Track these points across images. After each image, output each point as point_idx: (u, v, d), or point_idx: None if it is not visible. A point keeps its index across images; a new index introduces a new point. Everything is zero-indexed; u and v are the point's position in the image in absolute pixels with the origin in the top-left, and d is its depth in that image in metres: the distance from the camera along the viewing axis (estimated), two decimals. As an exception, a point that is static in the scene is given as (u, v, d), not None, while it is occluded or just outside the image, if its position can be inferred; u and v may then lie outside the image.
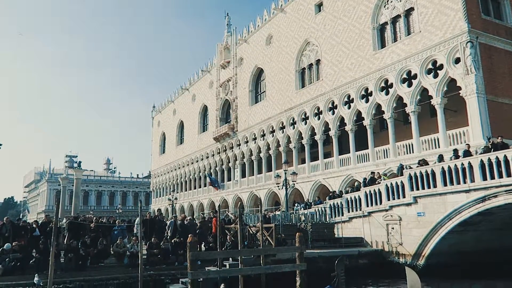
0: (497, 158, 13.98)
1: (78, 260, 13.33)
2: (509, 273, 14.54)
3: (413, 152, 21.69)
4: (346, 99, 26.53)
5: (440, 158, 16.79)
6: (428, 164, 17.20)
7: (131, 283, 12.37)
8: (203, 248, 15.83)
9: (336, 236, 19.35)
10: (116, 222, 17.12)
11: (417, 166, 17.50)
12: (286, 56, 32.96)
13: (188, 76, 72.26)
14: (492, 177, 14.05)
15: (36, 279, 11.23)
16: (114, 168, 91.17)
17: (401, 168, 19.13)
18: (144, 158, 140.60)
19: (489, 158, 14.23)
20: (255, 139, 36.55)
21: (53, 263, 9.32)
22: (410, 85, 22.12)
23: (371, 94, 24.48)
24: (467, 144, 17.03)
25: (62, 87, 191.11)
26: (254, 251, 13.74)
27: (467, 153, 15.84)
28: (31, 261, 13.24)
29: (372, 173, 21.12)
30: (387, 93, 23.44)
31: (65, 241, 14.83)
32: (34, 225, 15.20)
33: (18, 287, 11.06)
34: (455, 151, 16.74)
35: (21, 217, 30.83)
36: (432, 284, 14.50)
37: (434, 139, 20.92)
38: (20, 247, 13.25)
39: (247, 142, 37.85)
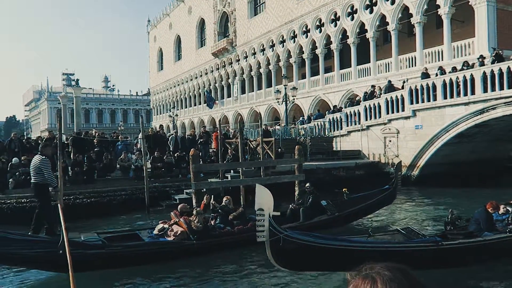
0: (500, 69, 13.78)
1: (84, 174, 13.85)
2: (498, 182, 15.21)
3: (415, 66, 21.30)
4: (349, 10, 25.33)
5: (425, 75, 16.69)
6: (430, 77, 16.98)
7: (138, 194, 13.02)
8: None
9: (334, 149, 19.87)
10: (119, 137, 17.42)
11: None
12: (287, -37, 30.72)
13: (183, -13, 67.93)
14: (493, 90, 13.99)
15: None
16: (113, 86, 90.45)
17: (389, 86, 19.05)
18: (142, 75, 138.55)
19: (491, 70, 14.02)
20: (254, 54, 35.63)
21: (62, 176, 9.68)
22: (417, -7, 20.94)
23: (375, 4, 23.29)
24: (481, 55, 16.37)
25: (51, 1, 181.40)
26: (254, 163, 14.21)
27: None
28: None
29: (373, 86, 20.97)
30: (392, 3, 22.29)
31: (71, 156, 15.26)
32: (39, 141, 15.51)
33: (30, 198, 11.64)
34: (466, 62, 16.33)
35: (24, 135, 31.34)
36: (425, 191, 15.22)
37: (438, 52, 20.42)
38: (29, 161, 13.64)
39: (246, 57, 36.96)
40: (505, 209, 7.45)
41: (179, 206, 8.75)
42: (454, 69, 16.36)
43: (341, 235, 7.14)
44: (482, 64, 15.19)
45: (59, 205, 6.86)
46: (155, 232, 7.76)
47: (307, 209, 9.20)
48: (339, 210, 9.40)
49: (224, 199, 8.95)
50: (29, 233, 8.11)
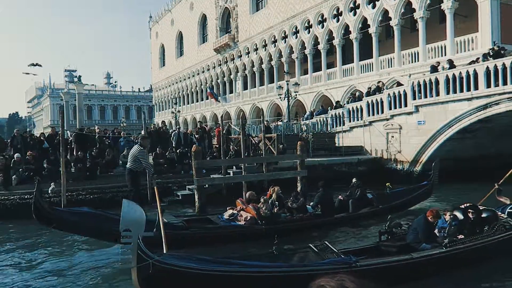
0: (503, 64, 13.70)
1: (87, 170, 13.88)
2: (501, 175, 15.13)
3: (418, 61, 21.21)
4: (352, 5, 25.21)
5: (434, 69, 16.55)
6: (438, 71, 16.85)
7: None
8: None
9: (336, 145, 19.83)
10: (121, 134, 17.44)
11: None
12: (289, -42, 30.55)
13: (185, -17, 67.69)
14: (496, 85, 13.92)
15: (51, 187, 11.86)
16: (115, 82, 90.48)
17: (375, 89, 19.22)
18: (145, 72, 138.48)
19: (495, 65, 13.95)
20: (256, 49, 35.54)
21: (65, 172, 9.72)
22: (420, -12, 20.82)
23: (378, -2, 23.19)
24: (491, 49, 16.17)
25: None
26: (256, 159, 14.19)
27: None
28: (43, 172, 13.80)
29: (379, 82, 20.87)
30: (395, -3, 22.19)
31: (73, 152, 15.30)
32: (42, 138, 15.55)
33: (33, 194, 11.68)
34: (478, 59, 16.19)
35: (27, 131, 31.41)
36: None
37: (441, 47, 20.31)
38: (33, 157, 13.69)
39: (248, 53, 36.87)
40: (451, 216, 6.72)
41: (247, 194, 9.68)
42: (451, 64, 16.24)
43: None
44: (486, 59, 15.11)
45: (155, 188, 7.49)
46: (226, 217, 8.58)
47: (355, 201, 9.85)
48: (382, 203, 10.09)
49: (276, 188, 9.41)
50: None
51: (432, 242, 6.28)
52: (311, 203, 9.66)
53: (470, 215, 6.95)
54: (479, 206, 7.34)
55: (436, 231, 6.57)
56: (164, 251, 5.25)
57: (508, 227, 6.78)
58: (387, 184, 11.10)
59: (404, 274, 5.71)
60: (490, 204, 8.11)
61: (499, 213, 7.30)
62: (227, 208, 9.01)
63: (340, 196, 10.11)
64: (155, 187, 7.59)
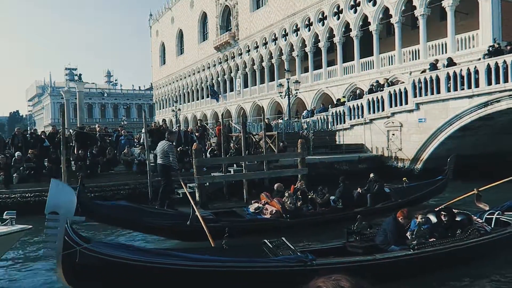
0: (504, 62, 13.67)
1: (88, 168, 13.89)
2: (500, 174, 15.11)
3: (419, 58, 21.17)
4: (352, 3, 25.15)
5: (433, 66, 16.52)
6: (438, 68, 16.82)
7: (141, 188, 13.04)
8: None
9: (337, 143, 19.83)
10: (122, 132, 17.42)
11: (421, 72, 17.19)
12: (289, -45, 30.47)
13: (185, -20, 67.55)
14: (497, 82, 13.90)
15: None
16: (115, 80, 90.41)
17: (377, 86, 19.17)
18: (145, 70, 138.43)
19: (496, 62, 13.92)
20: (257, 47, 35.49)
21: (65, 170, 9.75)
22: (420, -15, 20.76)
23: (379, -4, 23.13)
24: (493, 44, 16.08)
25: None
26: (257, 157, 14.20)
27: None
28: (44, 170, 13.82)
29: (385, 79, 20.77)
30: (396, -5, 22.13)
31: (75, 151, 15.30)
32: (42, 136, 15.55)
33: (35, 193, 11.71)
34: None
35: (28, 129, 31.34)
36: None
37: (442, 44, 20.28)
38: (33, 156, 13.70)
39: (249, 51, 36.82)
40: (423, 219, 6.42)
41: (276, 185, 9.93)
42: (451, 62, 16.21)
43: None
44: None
45: (181, 183, 8.37)
46: (251, 210, 8.92)
47: (374, 195, 10.17)
48: (399, 197, 10.39)
49: (300, 183, 9.94)
50: (156, 207, 9.40)
51: (402, 244, 6.02)
52: (332, 197, 9.98)
53: (443, 217, 6.70)
54: (454, 210, 7.07)
55: (408, 233, 6.30)
56: (212, 243, 5.60)
57: (482, 232, 6.60)
58: (403, 178, 11.75)
59: (366, 276, 5.39)
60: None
61: (475, 217, 7.13)
62: (252, 201, 9.42)
63: (359, 190, 10.42)
64: (181, 182, 8.26)
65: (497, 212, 7.62)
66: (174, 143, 10.67)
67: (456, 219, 6.78)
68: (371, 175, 10.95)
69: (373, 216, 9.70)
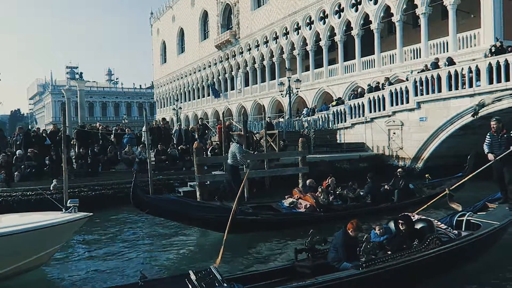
0: (506, 60, 13.64)
1: (89, 167, 13.91)
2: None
3: (420, 57, 21.14)
4: (354, 1, 25.12)
5: (435, 65, 16.50)
6: (439, 67, 16.79)
7: (142, 186, 13.01)
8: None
9: (338, 141, 19.82)
10: (126, 130, 17.37)
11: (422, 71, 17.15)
12: (291, -47, 30.41)
13: (186, -21, 67.47)
14: (499, 81, 13.86)
15: (53, 183, 11.89)
16: (116, 79, 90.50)
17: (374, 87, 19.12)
18: (146, 68, 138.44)
19: (497, 61, 13.89)
20: (258, 46, 35.47)
21: (66, 169, 9.75)
22: (422, -17, 20.72)
23: (380, -6, 23.09)
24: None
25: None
26: (258, 155, 14.20)
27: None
28: (45, 168, 13.84)
29: (387, 78, 20.72)
30: (397, -7, 22.09)
31: (76, 149, 15.33)
32: (43, 134, 15.57)
33: (36, 191, 11.72)
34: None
35: (30, 128, 31.35)
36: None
37: (443, 43, 20.24)
38: (35, 154, 13.72)
39: (249, 49, 36.80)
40: (381, 230, 5.92)
41: (308, 181, 10.46)
42: (451, 61, 16.18)
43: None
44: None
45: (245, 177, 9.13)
46: (286, 204, 9.41)
47: (400, 191, 10.59)
48: (423, 193, 10.88)
49: (331, 179, 10.36)
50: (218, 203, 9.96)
51: (355, 260, 5.26)
52: (361, 193, 10.40)
53: (400, 226, 5.95)
54: (413, 216, 6.42)
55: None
56: (225, 237, 5.99)
57: (445, 239, 5.85)
58: (426, 175, 12.17)
59: None
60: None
61: (438, 223, 6.50)
62: (286, 196, 9.88)
63: (386, 186, 10.81)
64: (245, 176, 9.19)
65: (468, 213, 7.13)
66: (244, 146, 11.35)
67: (416, 227, 6.12)
68: (399, 170, 11.48)
69: (399, 211, 9.67)
